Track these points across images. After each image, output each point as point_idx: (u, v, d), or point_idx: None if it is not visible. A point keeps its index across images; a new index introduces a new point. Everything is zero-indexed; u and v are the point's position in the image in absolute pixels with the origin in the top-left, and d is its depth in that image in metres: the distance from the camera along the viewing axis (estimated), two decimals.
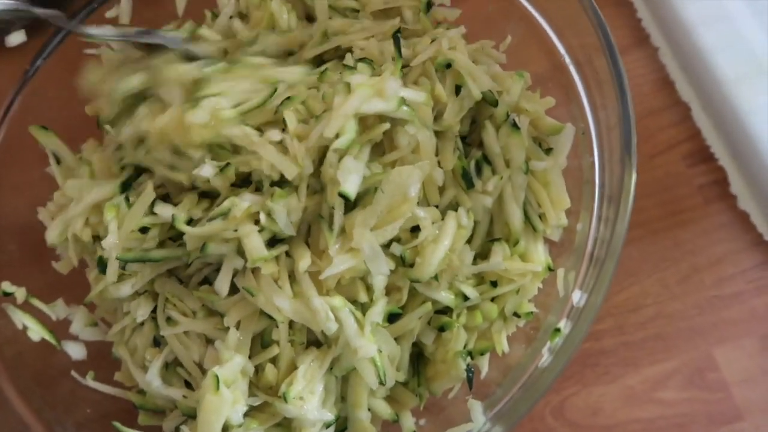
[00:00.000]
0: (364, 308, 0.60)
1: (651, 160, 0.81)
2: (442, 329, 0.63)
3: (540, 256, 0.66)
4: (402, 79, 0.63)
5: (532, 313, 0.65)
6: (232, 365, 0.59)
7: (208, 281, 0.65)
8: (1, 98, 0.71)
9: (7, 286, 0.67)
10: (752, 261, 0.76)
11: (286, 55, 0.71)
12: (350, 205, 0.59)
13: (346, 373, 0.61)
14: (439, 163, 0.63)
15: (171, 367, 0.65)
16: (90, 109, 0.70)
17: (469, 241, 0.64)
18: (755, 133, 0.75)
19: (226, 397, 0.57)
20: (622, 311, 0.75)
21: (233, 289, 0.61)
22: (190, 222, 0.61)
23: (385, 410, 0.63)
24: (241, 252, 0.60)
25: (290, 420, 0.60)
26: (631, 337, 0.74)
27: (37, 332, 0.67)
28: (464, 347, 0.63)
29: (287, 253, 0.61)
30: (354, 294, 0.60)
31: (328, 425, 0.61)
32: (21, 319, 0.67)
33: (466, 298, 0.63)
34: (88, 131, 0.72)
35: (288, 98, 0.61)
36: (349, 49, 0.68)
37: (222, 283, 0.60)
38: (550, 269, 0.65)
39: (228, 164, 0.60)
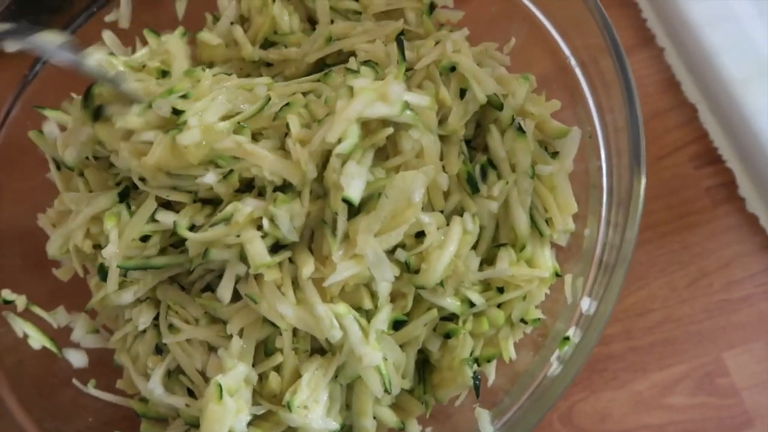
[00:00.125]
0: (368, 315, 0.60)
1: (658, 162, 0.80)
2: (448, 336, 0.63)
3: (547, 261, 0.65)
4: (406, 82, 0.62)
5: (539, 319, 0.64)
6: (236, 374, 0.58)
7: (210, 288, 0.64)
8: (0, 104, 0.70)
9: (8, 294, 0.67)
10: (761, 264, 0.76)
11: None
12: (354, 210, 0.58)
13: (350, 381, 0.61)
14: (443, 167, 0.62)
15: (173, 374, 0.64)
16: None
17: (474, 247, 0.63)
18: (763, 134, 0.75)
19: (229, 406, 0.56)
20: (630, 315, 0.75)
21: (236, 296, 0.60)
22: (192, 228, 0.60)
23: (390, 418, 0.63)
24: (243, 258, 0.59)
25: (294, 429, 0.59)
26: (640, 342, 0.74)
27: (37, 340, 0.67)
28: (471, 354, 0.63)
29: (290, 260, 0.60)
30: (358, 301, 0.59)
31: None
32: (21, 327, 0.66)
33: (472, 304, 0.62)
34: None
35: (287, 104, 0.61)
36: (353, 53, 0.67)
37: (224, 290, 0.60)
38: (557, 275, 0.65)
39: (231, 171, 0.59)
